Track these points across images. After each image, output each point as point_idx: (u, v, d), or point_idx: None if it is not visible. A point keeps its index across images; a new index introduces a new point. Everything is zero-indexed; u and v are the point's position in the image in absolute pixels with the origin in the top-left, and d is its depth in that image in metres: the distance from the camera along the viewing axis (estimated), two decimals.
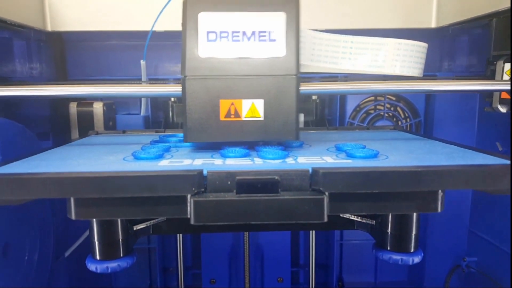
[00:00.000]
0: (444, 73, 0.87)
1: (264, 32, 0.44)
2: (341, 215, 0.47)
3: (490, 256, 0.82)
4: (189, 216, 0.34)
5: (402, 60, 0.56)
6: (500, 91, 0.65)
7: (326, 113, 0.90)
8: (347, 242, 0.97)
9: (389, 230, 0.43)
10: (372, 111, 0.87)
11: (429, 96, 0.85)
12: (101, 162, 0.40)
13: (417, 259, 0.43)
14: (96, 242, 0.41)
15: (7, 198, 0.34)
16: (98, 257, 0.41)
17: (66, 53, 0.86)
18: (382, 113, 0.86)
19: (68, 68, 0.87)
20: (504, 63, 0.64)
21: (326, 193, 0.34)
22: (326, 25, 0.76)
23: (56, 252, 0.78)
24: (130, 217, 0.38)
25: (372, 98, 0.87)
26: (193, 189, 0.34)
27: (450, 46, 0.85)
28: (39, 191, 0.34)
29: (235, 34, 0.44)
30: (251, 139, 0.45)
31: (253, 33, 0.44)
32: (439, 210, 0.36)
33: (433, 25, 0.80)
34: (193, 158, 0.43)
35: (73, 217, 0.35)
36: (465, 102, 0.84)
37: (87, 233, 0.77)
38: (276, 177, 0.35)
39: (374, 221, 0.46)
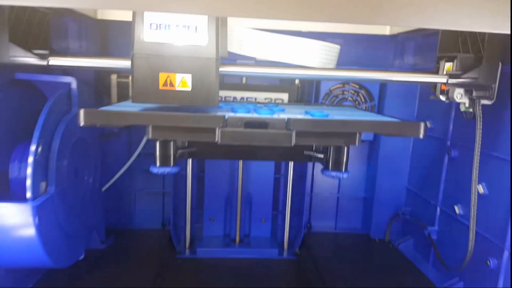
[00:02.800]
0: (396, 69, 1.15)
1: (192, 26, 0.60)
2: (304, 152, 0.74)
3: (419, 206, 1.12)
4: (216, 140, 0.61)
5: (311, 56, 0.76)
6: (438, 83, 0.88)
7: (305, 95, 1.17)
8: (315, 195, 1.26)
9: (330, 157, 0.71)
10: (339, 95, 1.14)
11: (383, 85, 1.13)
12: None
13: (345, 175, 0.70)
14: (158, 155, 0.67)
15: (114, 123, 0.60)
16: (158, 164, 0.68)
17: (108, 37, 1.10)
18: (347, 97, 1.14)
19: (108, 49, 1.11)
20: (445, 62, 0.89)
21: (294, 131, 0.61)
22: (297, 27, 1.00)
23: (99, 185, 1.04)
24: (185, 139, 0.64)
25: (341, 85, 1.14)
26: (220, 125, 0.60)
27: (400, 50, 1.13)
28: (133, 120, 0.60)
29: (171, 26, 0.60)
30: (182, 103, 0.61)
31: (184, 26, 0.60)
32: (357, 144, 0.64)
33: (387, 32, 1.07)
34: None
35: (150, 137, 0.62)
36: (408, 90, 1.12)
37: (118, 175, 1.03)
38: (267, 121, 0.62)
39: (323, 155, 0.73)
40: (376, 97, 1.13)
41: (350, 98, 1.13)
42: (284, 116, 0.67)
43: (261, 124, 0.62)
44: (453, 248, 0.94)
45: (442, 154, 1.00)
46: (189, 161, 1.14)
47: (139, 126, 0.64)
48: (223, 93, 1.03)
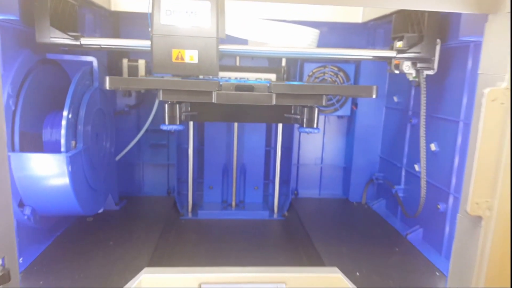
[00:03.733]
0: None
1: (198, 12, 0.77)
2: (285, 115, 0.92)
3: (390, 171, 1.29)
4: (213, 100, 0.78)
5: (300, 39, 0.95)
6: (391, 57, 0.96)
7: (291, 76, 1.34)
8: (301, 165, 1.43)
9: (304, 117, 0.88)
10: (320, 76, 1.31)
11: (357, 67, 1.30)
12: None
13: (316, 131, 0.87)
14: (167, 116, 0.84)
15: (133, 87, 0.76)
16: (167, 122, 0.84)
17: (120, 27, 1.26)
18: (326, 78, 1.31)
19: (120, 37, 1.28)
20: (397, 41, 1.04)
21: (274, 93, 0.78)
22: (283, 16, 1.17)
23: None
24: (189, 100, 0.81)
25: (322, 67, 1.31)
26: (216, 88, 0.77)
27: (372, 35, 1.30)
28: (147, 85, 0.76)
29: (182, 12, 0.76)
30: (190, 74, 0.78)
31: (192, 12, 0.76)
32: (323, 103, 0.81)
33: (360, 21, 1.24)
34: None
35: (161, 99, 0.78)
36: (379, 71, 1.29)
37: (129, 146, 1.20)
38: (253, 85, 0.79)
39: (299, 116, 0.91)
40: (352, 77, 1.30)
41: (330, 79, 1.30)
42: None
43: (249, 88, 0.79)
44: (415, 201, 1.11)
45: (405, 123, 1.17)
46: (191, 134, 1.30)
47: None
48: (219, 74, 1.20)
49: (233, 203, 1.37)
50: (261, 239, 1.19)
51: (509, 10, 0.63)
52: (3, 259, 0.65)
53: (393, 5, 0.87)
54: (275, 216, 1.35)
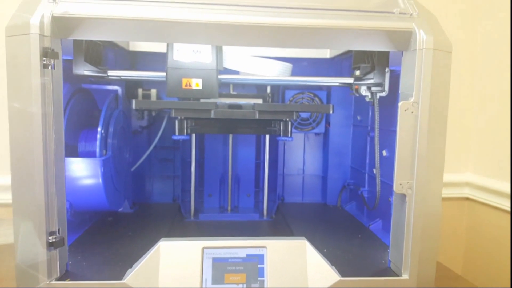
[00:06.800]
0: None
1: (201, 51, 1.04)
2: (266, 128, 1.19)
3: (358, 177, 1.55)
4: (212, 116, 1.05)
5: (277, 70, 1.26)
6: (350, 84, 1.24)
7: (274, 101, 1.63)
8: (286, 175, 1.69)
9: (281, 129, 1.15)
10: (299, 100, 1.61)
11: (329, 94, 1.60)
12: None
13: (290, 139, 1.14)
14: (177, 128, 1.11)
15: (153, 107, 1.05)
16: (177, 134, 1.11)
17: (136, 64, 1.57)
18: (304, 102, 1.60)
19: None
20: (356, 70, 1.33)
21: (257, 110, 1.06)
22: (267, 53, 1.48)
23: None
24: (194, 116, 1.09)
25: (300, 93, 1.60)
26: (214, 107, 1.05)
27: (338, 68, 1.61)
28: (164, 105, 1.05)
29: (189, 50, 1.04)
30: (196, 97, 1.05)
31: (197, 51, 1.03)
32: (294, 118, 1.09)
33: (328, 56, 1.56)
34: None
35: (173, 115, 1.06)
36: (346, 97, 1.59)
37: (141, 159, 1.47)
38: (241, 104, 1.07)
39: (276, 128, 1.18)
40: (325, 101, 1.59)
41: (307, 104, 1.59)
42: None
43: (238, 106, 1.07)
44: (375, 198, 1.37)
45: (366, 136, 1.45)
46: (193, 151, 1.56)
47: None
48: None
49: (229, 208, 1.61)
50: (252, 234, 1.42)
51: (415, 48, 0.92)
52: (58, 230, 0.89)
53: (338, 47, 1.17)
54: (265, 217, 1.58)
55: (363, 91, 1.23)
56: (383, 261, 1.03)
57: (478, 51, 1.67)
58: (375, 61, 1.18)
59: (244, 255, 0.91)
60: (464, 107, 1.71)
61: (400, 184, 0.92)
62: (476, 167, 1.71)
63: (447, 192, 1.72)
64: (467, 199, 1.75)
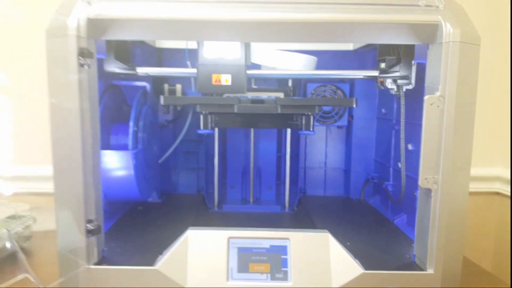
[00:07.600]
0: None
1: (231, 47, 1.06)
2: (288, 122, 1.20)
3: (382, 171, 1.55)
4: (235, 111, 1.08)
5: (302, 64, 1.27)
6: (375, 76, 1.24)
7: (296, 95, 1.63)
8: (308, 168, 1.70)
9: (303, 123, 1.16)
10: (321, 93, 1.61)
11: (352, 86, 1.59)
12: None
13: (312, 133, 1.15)
14: (202, 122, 1.14)
15: (179, 103, 1.09)
16: (202, 128, 1.15)
17: (162, 60, 1.62)
18: (326, 95, 1.60)
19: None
20: (381, 63, 1.32)
21: (279, 105, 1.08)
22: (291, 47, 1.49)
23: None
24: (218, 111, 1.12)
25: (322, 86, 1.60)
26: (237, 102, 1.08)
27: (361, 60, 1.60)
28: (190, 101, 1.08)
29: (219, 47, 1.06)
30: (225, 93, 1.08)
31: (226, 48, 1.04)
32: (316, 112, 1.10)
33: (351, 48, 1.54)
34: None
35: (198, 110, 1.09)
36: (369, 89, 1.57)
37: (168, 152, 1.53)
38: (263, 99, 1.09)
39: (298, 122, 1.19)
40: (348, 94, 1.58)
41: (329, 96, 1.59)
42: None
43: (260, 101, 1.09)
44: (399, 192, 1.36)
45: (391, 129, 1.44)
46: (216, 144, 1.60)
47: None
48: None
49: (251, 200, 1.64)
50: (274, 226, 1.45)
51: (441, 41, 0.91)
52: (96, 218, 0.95)
53: (361, 41, 1.16)
54: (286, 210, 1.61)
55: (389, 84, 1.21)
56: (408, 256, 1.03)
57: (509, 42, 1.61)
58: (401, 54, 1.16)
59: (268, 246, 0.94)
60: (495, 100, 1.65)
61: (426, 179, 0.92)
62: (506, 161, 1.66)
63: (477, 187, 1.68)
64: (498, 193, 1.70)
